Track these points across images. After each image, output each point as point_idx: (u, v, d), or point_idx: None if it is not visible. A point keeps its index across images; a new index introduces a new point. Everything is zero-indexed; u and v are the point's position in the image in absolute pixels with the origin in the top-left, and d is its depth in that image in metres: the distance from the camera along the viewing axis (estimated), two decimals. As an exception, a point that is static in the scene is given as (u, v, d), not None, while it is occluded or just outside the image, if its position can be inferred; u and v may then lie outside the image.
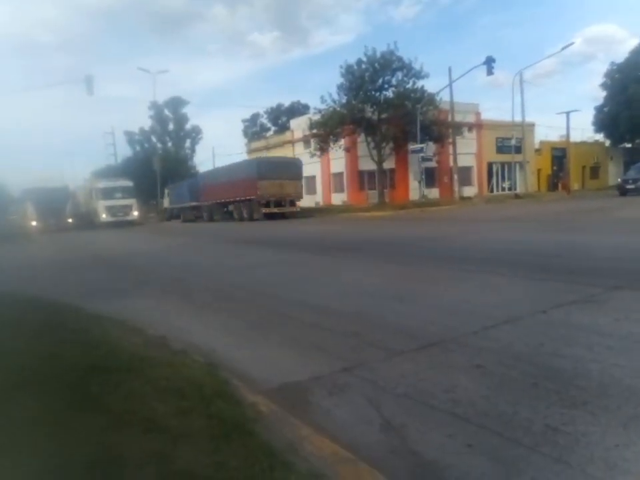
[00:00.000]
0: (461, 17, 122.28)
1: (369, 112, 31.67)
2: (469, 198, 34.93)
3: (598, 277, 6.17)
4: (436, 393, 3.00)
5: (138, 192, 38.38)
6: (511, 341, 3.88)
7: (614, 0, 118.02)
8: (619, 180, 32.49)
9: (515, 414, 2.66)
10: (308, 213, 29.11)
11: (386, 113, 31.48)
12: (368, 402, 2.95)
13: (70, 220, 35.96)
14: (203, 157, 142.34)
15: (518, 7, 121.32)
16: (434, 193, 36.42)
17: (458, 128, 33.99)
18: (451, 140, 33.43)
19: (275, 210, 25.90)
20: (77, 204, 39.35)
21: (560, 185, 45.18)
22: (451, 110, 32.87)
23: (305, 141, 38.55)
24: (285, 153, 43.57)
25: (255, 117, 68.39)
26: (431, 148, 32.61)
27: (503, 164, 42.25)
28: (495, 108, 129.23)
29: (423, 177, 31.80)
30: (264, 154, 46.91)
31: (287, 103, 66.96)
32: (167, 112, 57.42)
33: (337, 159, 36.65)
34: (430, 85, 53.74)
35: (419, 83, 31.46)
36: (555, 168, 47.97)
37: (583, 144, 51.59)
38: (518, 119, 36.92)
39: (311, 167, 38.93)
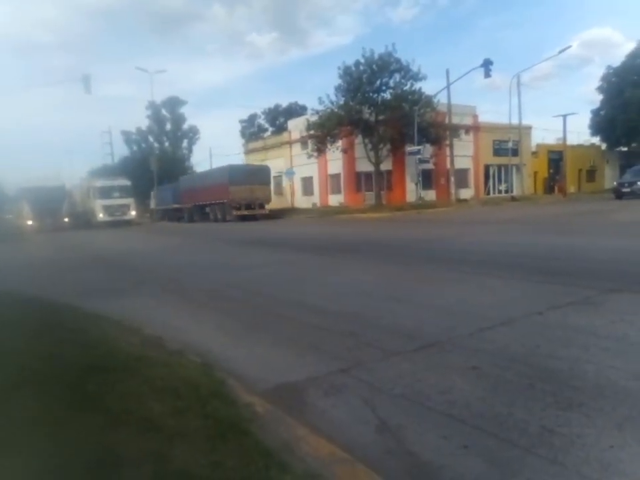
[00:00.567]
0: (459, 19, 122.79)
1: (367, 113, 31.70)
2: (465, 200, 35.01)
3: (594, 279, 6.19)
4: (432, 394, 3.01)
5: (135, 192, 38.05)
6: (506, 342, 3.90)
7: (611, 3, 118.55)
8: (615, 183, 32.55)
9: (510, 415, 2.67)
10: (278, 214, 31.54)
11: (383, 114, 31.51)
12: (364, 403, 2.95)
13: (66, 219, 35.58)
14: (200, 157, 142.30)
15: (516, 10, 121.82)
16: (431, 194, 36.46)
17: (455, 130, 34.09)
18: (448, 142, 33.49)
19: (246, 212, 28.48)
20: (74, 203, 38.93)
21: (556, 188, 45.29)
22: (449, 112, 32.94)
23: (303, 142, 38.54)
24: (282, 153, 43.62)
25: (252, 118, 68.34)
26: (428, 150, 32.61)
27: (499, 166, 42.32)
28: (492, 111, 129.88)
29: (420, 178, 31.85)
30: (261, 154, 46.96)
31: (284, 103, 66.95)
32: (164, 112, 57.35)
33: (334, 160, 36.65)
34: (428, 87, 53.99)
35: (417, 85, 31.54)
36: (551, 171, 48.11)
37: (579, 147, 51.77)
38: (515, 121, 37.14)
39: (308, 168, 38.97)
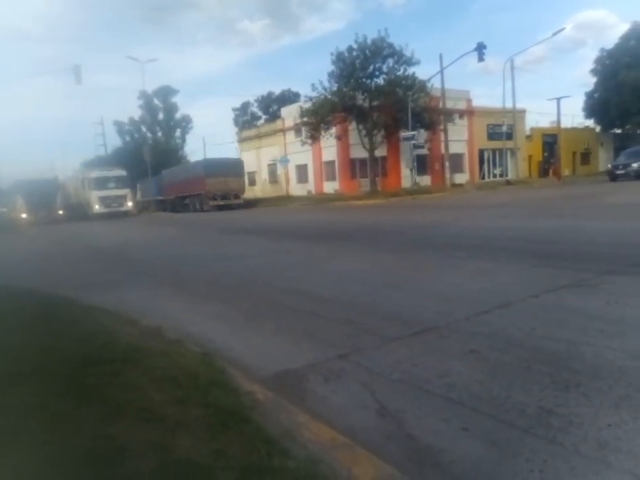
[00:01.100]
0: (452, 3, 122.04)
1: (360, 99, 31.52)
2: (460, 185, 35.01)
3: (589, 261, 6.23)
4: (431, 378, 3.03)
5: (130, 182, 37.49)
6: (503, 325, 3.92)
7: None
8: (609, 165, 32.62)
9: (508, 397, 2.69)
10: (251, 203, 33.47)
11: (377, 100, 31.34)
12: (364, 388, 2.97)
13: (60, 212, 35.34)
14: (194, 147, 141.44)
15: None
16: (426, 180, 36.45)
17: (449, 115, 33.94)
18: (442, 127, 33.38)
19: (222, 202, 30.47)
20: (67, 195, 38.57)
21: (551, 171, 45.32)
22: (442, 97, 32.80)
23: (296, 129, 38.32)
24: (276, 141, 43.42)
25: (245, 106, 67.83)
26: (422, 135, 32.55)
27: (494, 150, 42.31)
28: (486, 95, 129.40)
29: (415, 164, 31.81)
30: (255, 143, 46.74)
31: (277, 91, 66.44)
32: (156, 101, 56.82)
33: (329, 147, 36.53)
34: (421, 72, 53.54)
35: (410, 70, 31.33)
36: (545, 154, 48.12)
37: (573, 130, 51.75)
38: (509, 105, 36.99)
39: (302, 155, 38.83)
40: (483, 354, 3.36)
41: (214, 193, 30.59)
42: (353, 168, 36.47)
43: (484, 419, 2.49)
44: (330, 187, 38.12)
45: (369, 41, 30.57)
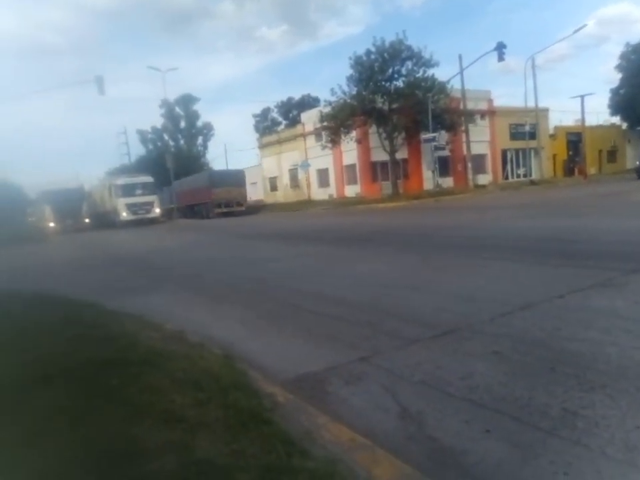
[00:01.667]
0: (470, 3, 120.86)
1: (380, 102, 31.41)
2: (483, 186, 34.58)
3: (616, 260, 6.08)
4: (452, 380, 3.00)
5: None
6: (527, 326, 3.86)
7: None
8: (637, 163, 31.84)
9: (532, 399, 2.65)
10: (254, 209, 36.51)
11: (397, 102, 31.18)
12: (384, 390, 2.96)
13: (86, 220, 35.69)
14: (216, 153, 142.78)
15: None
16: (448, 181, 36.10)
17: (470, 115, 33.63)
18: (463, 128, 33.08)
19: (225, 210, 33.03)
20: (93, 204, 39.11)
21: (576, 170, 44.47)
22: (463, 98, 32.51)
23: (317, 133, 38.41)
24: (297, 146, 43.58)
25: (265, 112, 68.41)
26: (443, 137, 32.24)
27: (517, 150, 41.67)
28: (508, 94, 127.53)
29: (437, 166, 31.55)
30: (276, 148, 47.00)
31: (297, 96, 66.85)
32: (178, 109, 57.63)
33: (349, 151, 36.49)
34: (441, 73, 53.16)
35: (429, 72, 31.09)
36: (570, 153, 47.22)
37: (598, 128, 50.65)
38: (531, 104, 36.43)
39: (323, 159, 38.87)
40: (505, 355, 3.31)
41: (218, 201, 33.09)
42: (374, 171, 36.36)
43: (506, 420, 2.46)
44: (351, 191, 38.06)
45: (387, 44, 30.47)
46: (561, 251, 7.20)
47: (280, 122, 66.82)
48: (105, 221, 35.89)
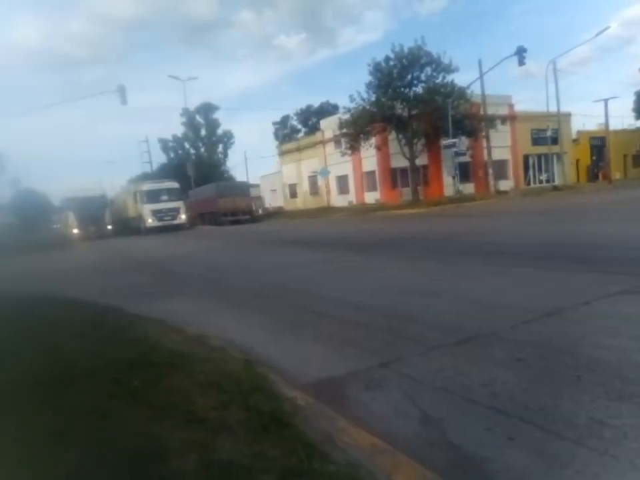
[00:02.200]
0: (489, 7, 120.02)
1: (399, 109, 31.33)
2: (505, 192, 34.16)
3: (643, 267, 5.95)
4: (474, 386, 2.96)
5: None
6: (551, 333, 3.79)
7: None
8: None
9: (557, 407, 2.60)
10: (259, 217, 38.58)
11: (416, 109, 31.07)
12: (405, 396, 2.93)
13: (109, 227, 35.52)
14: (236, 161, 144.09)
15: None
16: (469, 188, 35.80)
17: (491, 121, 33.28)
18: (484, 133, 32.78)
19: (231, 218, 34.14)
20: (116, 211, 39.46)
21: (600, 175, 43.69)
22: (483, 103, 32.24)
23: (336, 140, 38.48)
24: (316, 153, 43.72)
25: (285, 119, 68.85)
26: (463, 142, 32.02)
27: (539, 156, 41.13)
28: (529, 99, 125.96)
29: (457, 172, 31.31)
30: (295, 155, 47.24)
31: (316, 103, 67.13)
32: (198, 118, 58.31)
33: (369, 158, 36.45)
34: (460, 79, 53.02)
35: (449, 77, 30.95)
36: (594, 158, 46.43)
37: (623, 131, 49.77)
38: (553, 109, 35.95)
39: (343, 166, 38.92)
40: (529, 362, 3.25)
41: (225, 210, 34.49)
42: (394, 177, 36.25)
43: (530, 428, 2.41)
44: (371, 197, 38.00)
45: (405, 50, 30.44)
46: (585, 257, 7.07)
47: (299, 129, 67.17)
48: (128, 227, 36.09)
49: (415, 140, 31.81)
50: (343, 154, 34.26)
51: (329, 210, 36.00)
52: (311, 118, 65.00)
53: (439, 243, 11.03)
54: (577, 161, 45.09)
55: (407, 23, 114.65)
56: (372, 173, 37.95)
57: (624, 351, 3.28)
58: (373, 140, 33.08)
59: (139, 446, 2.14)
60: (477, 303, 5.07)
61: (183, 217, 34.79)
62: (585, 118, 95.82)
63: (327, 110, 61.82)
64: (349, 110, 32.01)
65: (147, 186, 34.82)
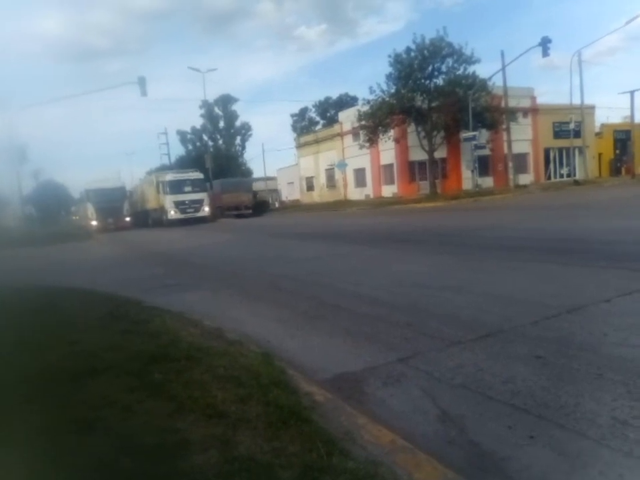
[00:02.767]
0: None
1: (419, 101, 31.07)
2: (524, 186, 33.69)
3: (668, 264, 5.82)
4: (494, 383, 2.94)
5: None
6: (573, 330, 3.74)
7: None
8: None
9: (578, 405, 2.56)
10: (273, 210, 41.12)
11: (436, 101, 30.76)
12: (424, 392, 2.92)
13: (127, 219, 35.20)
14: (254, 153, 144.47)
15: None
16: (488, 181, 35.39)
17: (512, 113, 32.81)
18: (504, 126, 32.33)
19: (235, 212, 36.08)
20: (134, 203, 39.41)
21: (623, 170, 42.79)
22: (505, 95, 31.78)
23: (354, 133, 38.30)
24: (334, 146, 43.59)
25: (303, 111, 68.79)
26: (484, 135, 31.63)
27: (560, 149, 40.43)
28: (552, 91, 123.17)
29: (476, 165, 30.95)
30: (313, 148, 47.17)
31: (335, 95, 66.88)
32: (217, 110, 58.68)
33: (387, 150, 36.23)
34: (482, 70, 52.22)
35: (470, 69, 30.57)
36: (617, 152, 45.45)
37: (649, 125, 48.57)
38: (576, 101, 35.26)
39: (360, 159, 38.76)
40: (550, 360, 3.21)
41: (229, 205, 36.49)
42: (412, 171, 35.99)
43: (551, 427, 2.39)
44: (388, 191, 37.80)
45: (427, 41, 30.11)
46: (606, 252, 6.95)
47: (317, 121, 67.03)
48: (147, 219, 36.09)
49: (435, 132, 31.53)
50: (361, 147, 34.07)
51: (345, 203, 35.92)
52: (329, 110, 64.81)
53: (457, 237, 10.93)
54: (600, 154, 44.18)
55: (429, 13, 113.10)
56: (390, 166, 37.73)
57: (648, 350, 3.21)
58: (392, 132, 32.83)
59: (162, 440, 2.16)
60: (497, 298, 5.02)
61: (207, 209, 33.52)
62: (610, 111, 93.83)
63: (345, 102, 61.57)
64: (368, 102, 31.81)
65: (170, 176, 33.49)
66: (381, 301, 5.37)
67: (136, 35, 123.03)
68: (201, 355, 3.42)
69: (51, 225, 39.66)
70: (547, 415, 2.50)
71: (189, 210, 32.34)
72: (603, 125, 45.36)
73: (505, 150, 33.43)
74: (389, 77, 31.47)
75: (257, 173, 56.62)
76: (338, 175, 42.26)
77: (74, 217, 35.79)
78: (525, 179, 36.84)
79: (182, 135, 58.76)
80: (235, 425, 2.31)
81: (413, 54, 30.43)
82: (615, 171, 44.52)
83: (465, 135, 30.46)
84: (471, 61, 30.38)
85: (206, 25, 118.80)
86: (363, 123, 32.41)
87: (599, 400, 2.60)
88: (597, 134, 43.83)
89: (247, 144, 61.69)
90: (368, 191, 40.29)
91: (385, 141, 33.19)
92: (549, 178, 40.46)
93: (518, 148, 34.86)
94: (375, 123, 31.52)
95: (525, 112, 37.56)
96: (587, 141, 37.58)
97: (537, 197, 25.31)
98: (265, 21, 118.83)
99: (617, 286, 4.95)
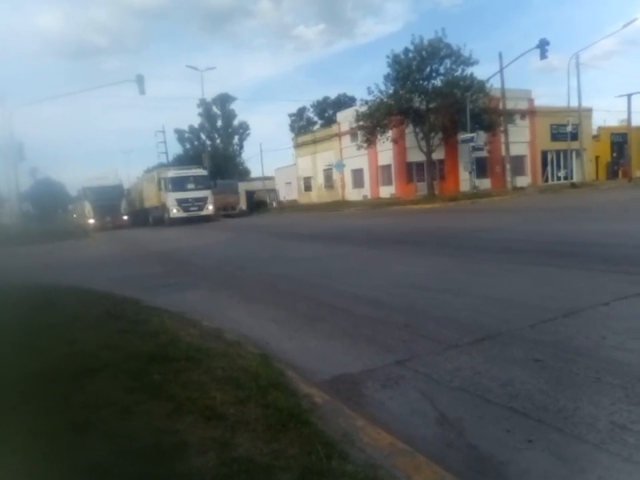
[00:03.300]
0: None
1: (417, 102, 31.05)
2: (522, 188, 33.74)
3: (665, 268, 5.84)
4: (492, 386, 2.94)
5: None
6: (570, 334, 3.75)
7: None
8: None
9: (576, 409, 2.57)
10: (244, 212, 42.06)
11: (434, 102, 30.78)
12: (422, 395, 2.92)
13: (125, 217, 34.73)
14: (251, 152, 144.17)
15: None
16: (485, 183, 35.41)
17: (510, 115, 32.87)
18: (502, 128, 32.37)
19: (222, 212, 37.38)
20: (132, 201, 39.08)
21: (620, 173, 42.91)
22: (502, 97, 31.81)
23: (352, 133, 38.27)
24: (332, 146, 43.57)
25: (301, 111, 68.74)
26: (481, 137, 31.66)
27: (558, 152, 40.51)
28: (550, 94, 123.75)
29: (474, 167, 30.93)
30: (311, 148, 47.13)
31: (333, 95, 66.90)
32: (215, 109, 58.65)
33: (385, 151, 36.22)
34: (480, 72, 52.03)
35: (468, 70, 30.58)
36: (614, 155, 45.56)
37: (646, 128, 48.73)
38: (574, 104, 35.37)
39: (358, 159, 38.75)
40: (548, 363, 3.22)
41: (217, 205, 36.02)
42: (410, 172, 36.00)
43: (550, 431, 2.39)
44: (386, 192, 37.79)
45: (425, 42, 30.11)
46: (604, 256, 6.96)
47: (315, 121, 67.00)
48: (146, 218, 35.51)
49: (432, 134, 31.53)
50: (359, 147, 34.03)
51: (343, 204, 35.90)
52: (328, 110, 64.79)
53: (455, 239, 10.94)
54: (597, 157, 44.28)
55: (428, 14, 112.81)
56: (387, 166, 37.72)
57: (646, 354, 3.22)
58: (390, 133, 32.83)
59: (160, 442, 2.16)
60: (495, 300, 5.03)
61: (210, 207, 32.04)
62: (607, 114, 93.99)
63: (343, 102, 61.57)
64: (367, 102, 31.79)
65: (173, 172, 32.16)
66: (379, 302, 5.36)
67: (134, 33, 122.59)
68: (199, 355, 3.41)
69: (48, 223, 39.38)
70: (545, 419, 2.50)
71: (192, 208, 30.85)
72: (600, 128, 45.46)
73: (503, 152, 33.46)
74: (387, 77, 31.46)
75: (255, 172, 56.76)
76: (336, 175, 42.24)
77: (72, 215, 35.72)
78: (523, 181, 36.89)
79: (180, 134, 58.80)
80: (233, 427, 2.31)
81: (411, 55, 30.43)
82: (612, 173, 44.63)
83: (462, 136, 30.46)
84: (469, 62, 30.41)
85: (204, 23, 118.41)
86: (361, 123, 32.38)
87: (598, 404, 2.60)
88: (594, 137, 43.93)
89: (245, 143, 61.79)
90: (366, 191, 40.28)
91: (383, 142, 33.16)
92: (546, 180, 40.53)
93: (515, 150, 34.91)
94: (373, 123, 31.51)
95: (523, 114, 37.62)
96: (584, 143, 37.66)
97: (535, 199, 25.36)
98: (263, 20, 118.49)
99: (614, 289, 4.96)
